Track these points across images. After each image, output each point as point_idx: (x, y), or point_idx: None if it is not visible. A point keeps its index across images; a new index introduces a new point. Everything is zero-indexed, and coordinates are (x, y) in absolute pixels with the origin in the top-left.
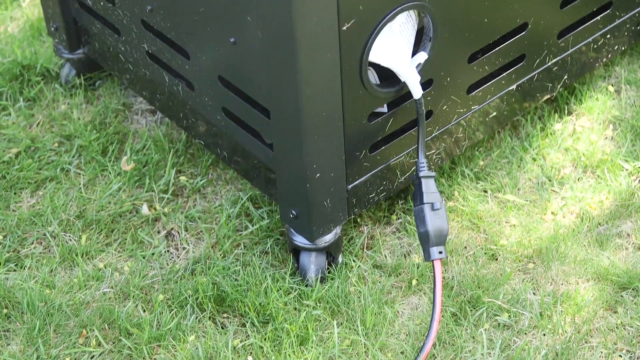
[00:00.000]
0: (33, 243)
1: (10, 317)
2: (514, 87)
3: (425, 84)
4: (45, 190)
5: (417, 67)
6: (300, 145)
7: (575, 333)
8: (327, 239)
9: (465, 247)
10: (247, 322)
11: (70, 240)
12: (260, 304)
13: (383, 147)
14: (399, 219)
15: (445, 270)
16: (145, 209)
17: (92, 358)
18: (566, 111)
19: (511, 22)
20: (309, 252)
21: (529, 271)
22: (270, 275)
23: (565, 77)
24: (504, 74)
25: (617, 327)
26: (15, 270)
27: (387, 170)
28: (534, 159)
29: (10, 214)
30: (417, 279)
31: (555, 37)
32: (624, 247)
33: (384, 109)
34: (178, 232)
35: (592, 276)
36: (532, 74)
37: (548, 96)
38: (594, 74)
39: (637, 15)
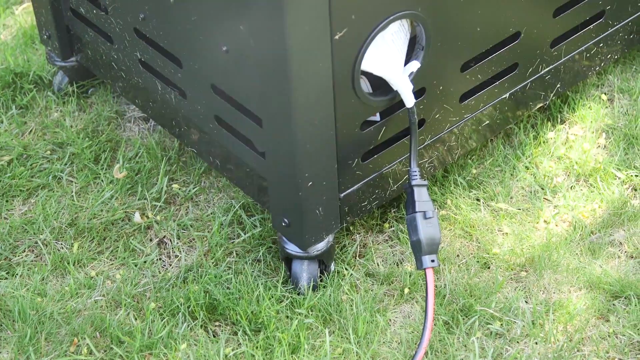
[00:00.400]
0: (25, 251)
1: (1, 325)
2: (506, 95)
3: (417, 93)
4: (37, 198)
5: (409, 75)
6: (292, 153)
7: (568, 342)
8: (320, 247)
9: (458, 256)
10: (239, 330)
11: (62, 248)
12: (252, 312)
13: (375, 156)
14: (391, 227)
15: (438, 278)
16: (137, 217)
17: None
18: (559, 120)
19: (504, 31)
20: (301, 260)
21: (521, 280)
22: (262, 284)
23: (558, 85)
24: (497, 83)
25: (609, 336)
26: (6, 278)
27: (379, 179)
28: (527, 168)
29: (2, 221)
30: (409, 288)
31: (548, 46)
32: (616, 256)
33: (377, 117)
34: (170, 240)
35: (584, 285)
36: (525, 83)
37: (541, 104)
38: (587, 82)
39: (629, 24)
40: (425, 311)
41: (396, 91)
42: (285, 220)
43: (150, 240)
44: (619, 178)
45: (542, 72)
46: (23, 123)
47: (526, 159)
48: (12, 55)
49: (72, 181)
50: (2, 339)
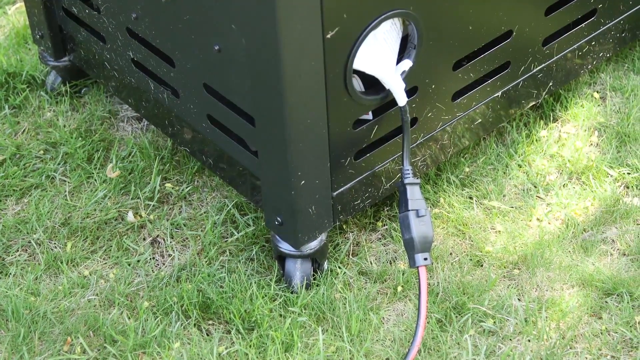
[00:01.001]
0: (18, 250)
1: None
2: (499, 94)
3: (410, 92)
4: (31, 197)
5: (401, 74)
6: (285, 152)
7: (560, 339)
8: (313, 245)
9: (451, 254)
10: (232, 329)
11: (56, 247)
12: (245, 310)
13: (368, 154)
14: (384, 225)
15: (431, 276)
16: (130, 216)
17: None
18: (551, 118)
19: (496, 30)
20: (295, 258)
21: (514, 277)
22: (255, 282)
23: (551, 84)
24: (489, 81)
25: (601, 333)
26: (0, 278)
27: (372, 177)
28: (520, 166)
29: None
30: (402, 286)
31: (540, 44)
32: (608, 253)
33: (369, 116)
34: (163, 239)
35: (577, 282)
36: (517, 81)
37: (533, 103)
38: (579, 80)
39: (621, 22)
40: (418, 309)
41: (388, 90)
42: (278, 219)
43: (144, 239)
44: (612, 176)
45: (534, 71)
46: (16, 123)
47: (519, 157)
48: (5, 55)
49: (65, 181)
50: None
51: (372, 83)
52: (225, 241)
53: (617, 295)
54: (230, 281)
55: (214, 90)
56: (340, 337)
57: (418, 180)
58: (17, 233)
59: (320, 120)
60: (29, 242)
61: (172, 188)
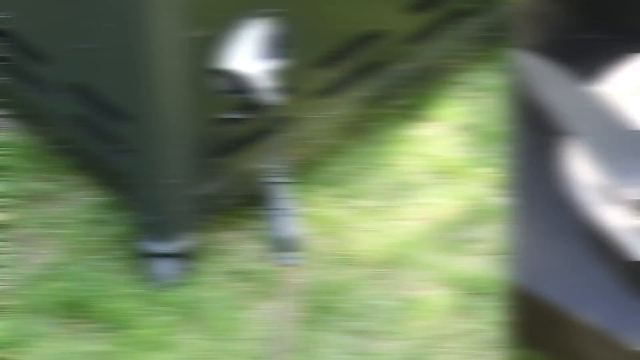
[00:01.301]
0: None
1: None
2: (366, 93)
3: (278, 90)
4: None
5: (269, 73)
6: (151, 151)
7: (428, 338)
8: (180, 244)
9: (318, 253)
10: (100, 327)
11: None
12: (112, 309)
13: (235, 153)
14: (251, 225)
15: (298, 276)
16: None
17: None
18: (419, 117)
19: (363, 30)
20: (162, 257)
21: (382, 277)
22: (122, 281)
23: (418, 83)
24: (357, 80)
25: (468, 333)
26: None
27: (239, 176)
28: (387, 165)
29: None
30: (270, 285)
31: (408, 44)
32: (475, 253)
33: (237, 115)
34: (31, 238)
35: (444, 282)
36: (384, 80)
37: (401, 102)
38: (447, 80)
39: (488, 21)
40: (285, 309)
41: (256, 88)
42: (146, 217)
43: (10, 237)
44: (479, 175)
45: (402, 70)
46: None
47: (386, 156)
48: None
49: None
50: None
51: (239, 81)
52: (93, 240)
53: (484, 295)
54: (97, 280)
55: (83, 88)
56: (207, 336)
57: (286, 180)
58: None
59: (187, 120)
60: None
61: (41, 186)
